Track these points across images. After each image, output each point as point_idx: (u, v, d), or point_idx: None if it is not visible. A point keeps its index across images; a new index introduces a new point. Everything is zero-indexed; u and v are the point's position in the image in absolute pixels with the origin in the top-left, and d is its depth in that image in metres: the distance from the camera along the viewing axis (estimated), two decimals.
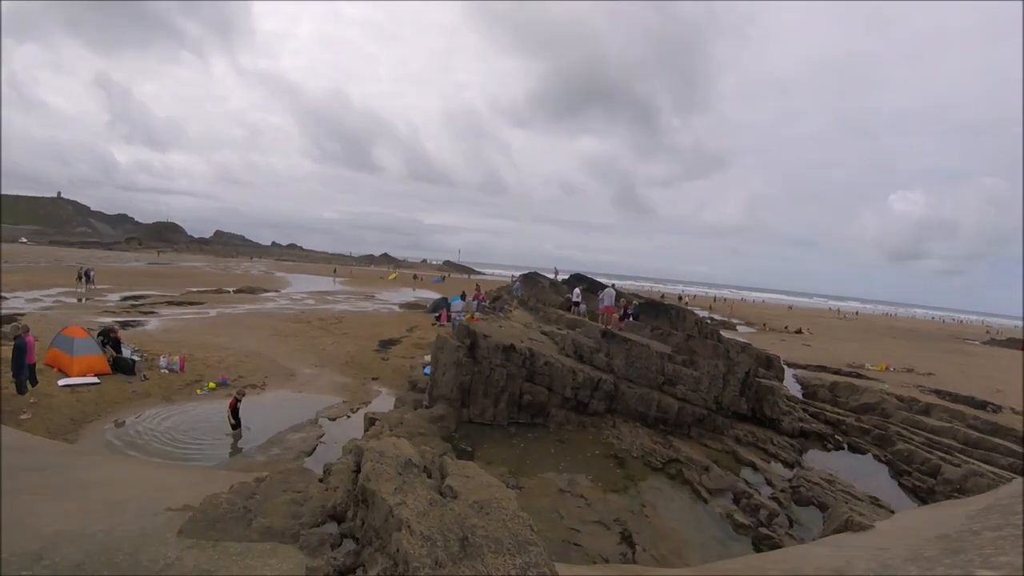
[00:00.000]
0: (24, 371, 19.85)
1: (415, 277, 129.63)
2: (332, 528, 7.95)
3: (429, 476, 8.28)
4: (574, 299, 42.31)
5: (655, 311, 34.44)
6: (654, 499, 17.07)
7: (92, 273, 61.21)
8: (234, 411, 20.27)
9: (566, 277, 61.70)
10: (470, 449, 18.16)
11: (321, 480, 12.07)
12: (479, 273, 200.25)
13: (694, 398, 23.04)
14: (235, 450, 19.24)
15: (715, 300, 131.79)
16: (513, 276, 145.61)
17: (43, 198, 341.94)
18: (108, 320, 36.92)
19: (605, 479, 17.84)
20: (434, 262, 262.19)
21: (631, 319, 32.52)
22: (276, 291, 75.58)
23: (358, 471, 8.34)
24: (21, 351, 19.66)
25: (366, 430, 18.58)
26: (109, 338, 26.52)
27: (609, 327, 27.14)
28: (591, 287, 49.09)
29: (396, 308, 62.31)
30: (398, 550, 6.12)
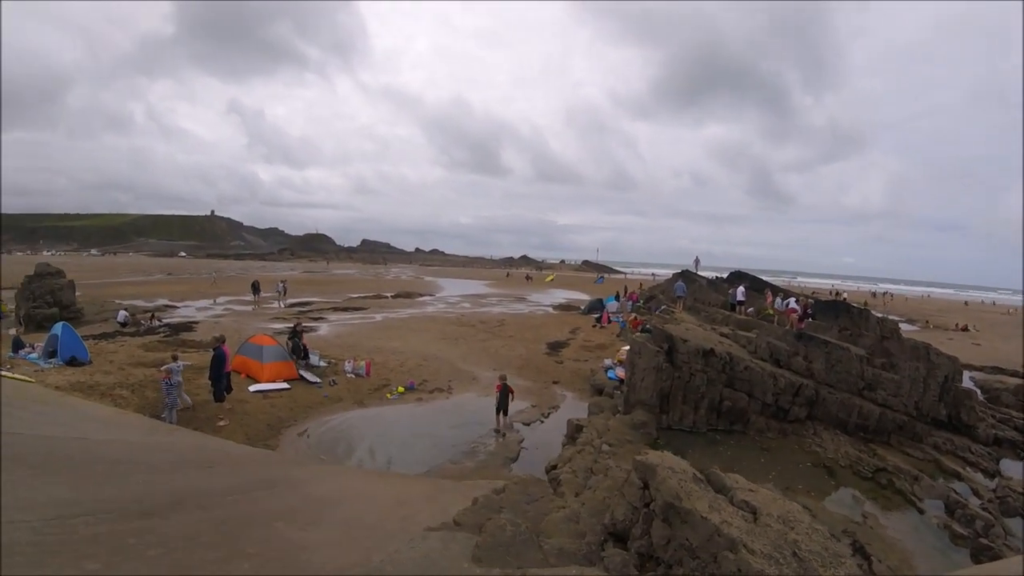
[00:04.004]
0: (222, 379, 20.46)
1: (528, 278, 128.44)
2: (611, 546, 7.55)
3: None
4: (738, 298, 40.85)
5: (834, 311, 32.82)
6: (872, 509, 16.14)
7: (283, 285, 60.59)
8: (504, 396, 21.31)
9: (723, 276, 60.09)
10: (678, 457, 17.54)
11: (553, 491, 11.77)
12: (619, 272, 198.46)
13: (895, 403, 21.68)
14: (501, 436, 20.69)
15: (873, 295, 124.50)
16: (654, 275, 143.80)
17: (198, 216, 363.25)
18: (280, 326, 38.05)
19: (818, 489, 16.93)
20: (572, 262, 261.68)
21: (810, 320, 31.13)
22: (431, 295, 76.84)
23: (644, 487, 7.82)
24: (220, 360, 20.31)
25: (570, 436, 18.19)
26: (297, 334, 27.32)
27: (799, 328, 26.01)
28: (754, 285, 47.36)
29: (550, 310, 62.15)
30: (740, 569, 5.63)
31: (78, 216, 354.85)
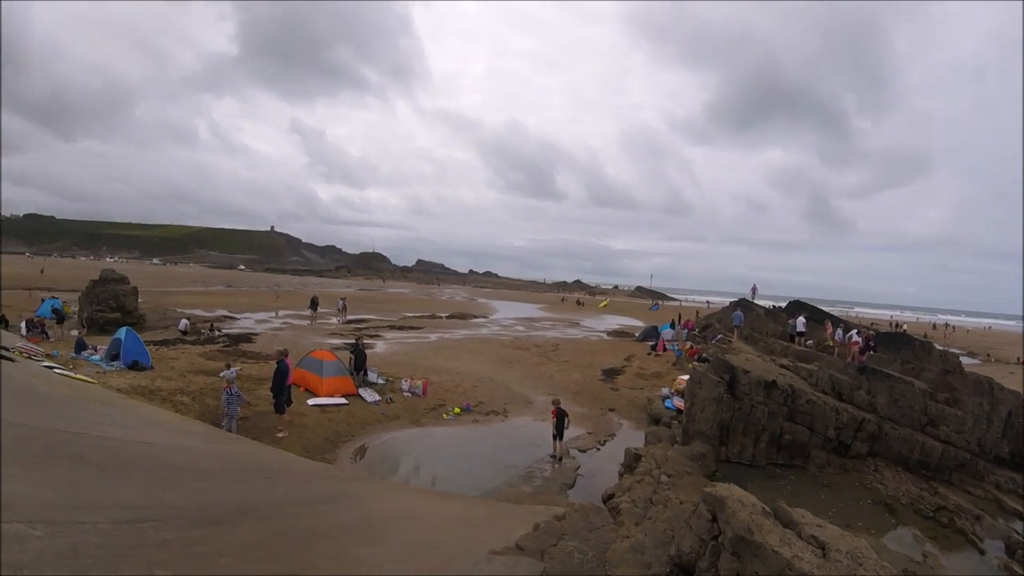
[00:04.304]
0: (284, 391, 20.76)
1: (579, 303, 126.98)
2: None
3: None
4: (798, 329, 40.13)
5: (896, 343, 32.20)
6: (932, 549, 15.78)
7: (343, 302, 61.62)
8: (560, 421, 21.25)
9: (780, 304, 59.31)
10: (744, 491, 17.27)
11: (613, 520, 11.69)
12: (673, 299, 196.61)
13: (957, 440, 21.10)
14: (557, 461, 20.77)
15: (933, 327, 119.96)
16: (708, 302, 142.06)
17: (258, 231, 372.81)
18: (337, 342, 38.51)
19: (879, 527, 16.61)
20: (625, 287, 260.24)
21: (872, 352, 30.54)
22: (485, 317, 77.27)
23: (713, 519, 7.74)
24: (283, 373, 20.65)
25: (628, 465, 18.00)
26: (358, 347, 27.93)
27: (860, 361, 25.54)
28: (813, 316, 46.46)
29: (604, 336, 61.88)
30: None
31: (141, 226, 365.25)
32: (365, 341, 37.53)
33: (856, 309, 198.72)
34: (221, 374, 20.89)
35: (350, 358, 27.10)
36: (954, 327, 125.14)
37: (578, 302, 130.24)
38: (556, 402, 21.86)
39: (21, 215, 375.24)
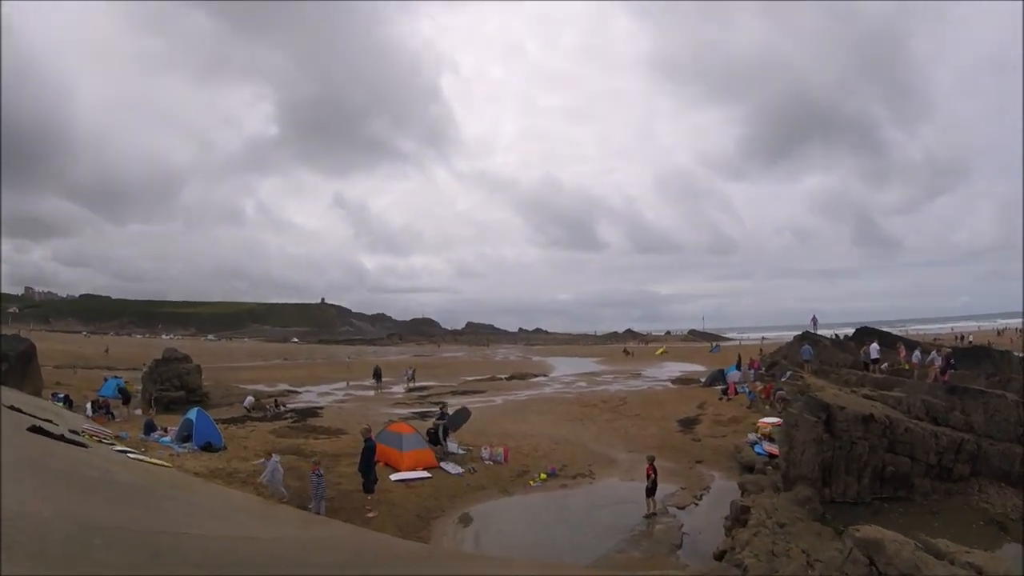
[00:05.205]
0: (372, 471, 20.81)
1: (627, 353, 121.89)
2: None
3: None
4: (872, 356, 39.31)
5: (975, 357, 31.58)
6: None
7: (412, 371, 64.01)
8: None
9: (841, 333, 58.54)
10: (843, 531, 16.89)
11: None
12: (728, 339, 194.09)
13: None
14: (649, 520, 20.54)
15: (998, 333, 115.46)
16: (764, 338, 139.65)
17: (310, 304, 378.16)
18: (404, 411, 38.73)
19: (994, 546, 16.13)
20: (678, 332, 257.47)
21: (953, 370, 29.90)
22: (544, 375, 77.10)
23: (871, 563, 7.53)
24: (372, 452, 20.86)
25: (735, 518, 17.62)
26: (445, 415, 29.13)
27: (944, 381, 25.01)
28: (883, 340, 45.58)
29: (669, 384, 61.09)
30: None
31: (196, 303, 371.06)
32: (430, 409, 38.05)
33: (913, 327, 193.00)
34: (262, 461, 21.10)
35: (436, 423, 28.18)
36: (1020, 329, 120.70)
37: (625, 351, 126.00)
38: (651, 459, 21.87)
39: (77, 295, 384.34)
